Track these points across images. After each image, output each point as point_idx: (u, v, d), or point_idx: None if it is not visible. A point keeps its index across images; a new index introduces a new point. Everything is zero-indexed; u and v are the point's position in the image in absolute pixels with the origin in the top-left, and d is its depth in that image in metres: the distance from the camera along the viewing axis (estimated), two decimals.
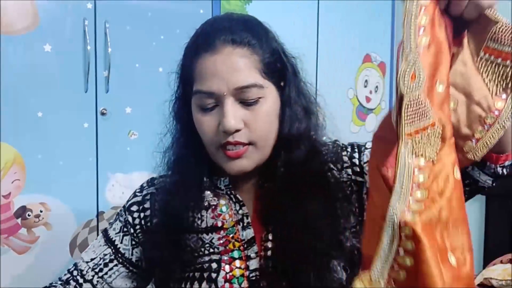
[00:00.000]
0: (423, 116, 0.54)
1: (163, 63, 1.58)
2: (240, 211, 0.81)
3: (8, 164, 1.38)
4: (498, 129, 0.59)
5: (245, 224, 0.80)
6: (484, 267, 1.60)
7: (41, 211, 1.43)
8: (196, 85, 0.76)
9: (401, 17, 0.56)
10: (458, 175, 0.56)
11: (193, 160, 0.81)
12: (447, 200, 0.54)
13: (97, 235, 1.52)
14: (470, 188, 0.70)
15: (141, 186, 0.91)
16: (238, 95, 0.74)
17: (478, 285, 1.40)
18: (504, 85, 0.58)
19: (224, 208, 0.81)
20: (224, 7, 1.72)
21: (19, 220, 1.41)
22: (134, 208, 0.87)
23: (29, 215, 1.42)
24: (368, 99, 2.25)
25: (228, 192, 0.82)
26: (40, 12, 1.40)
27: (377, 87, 2.28)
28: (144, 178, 0.91)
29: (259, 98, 0.75)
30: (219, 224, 0.80)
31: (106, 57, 1.50)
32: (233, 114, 0.73)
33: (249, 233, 0.80)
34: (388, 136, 0.59)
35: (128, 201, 0.89)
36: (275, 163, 0.79)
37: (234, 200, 0.82)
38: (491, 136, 0.59)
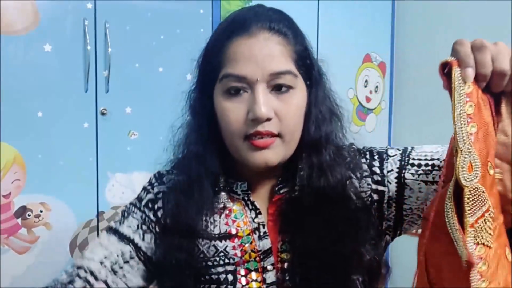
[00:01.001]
0: (481, 203, 0.57)
1: (163, 63, 1.58)
2: (256, 219, 0.77)
3: (8, 164, 1.38)
4: None
5: (261, 234, 0.76)
6: None
7: (41, 211, 1.43)
8: (225, 69, 0.72)
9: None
10: (510, 256, 0.58)
11: (209, 158, 0.77)
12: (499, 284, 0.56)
13: (97, 235, 1.52)
14: None
15: (150, 182, 0.85)
16: (271, 81, 0.71)
17: None
18: None
19: (238, 215, 0.77)
20: (224, 7, 1.72)
21: (19, 220, 1.41)
22: (150, 205, 0.81)
23: (29, 215, 1.42)
24: (368, 99, 2.24)
25: (245, 198, 0.78)
26: (40, 12, 1.40)
27: (377, 87, 2.28)
28: (144, 178, 0.90)
29: (291, 88, 0.72)
30: (233, 231, 0.76)
31: (106, 57, 1.50)
32: (265, 102, 0.70)
33: (266, 243, 0.75)
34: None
35: (141, 197, 0.83)
36: (295, 167, 0.76)
37: (250, 207, 0.77)
38: None
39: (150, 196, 0.82)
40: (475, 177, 0.56)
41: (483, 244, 0.56)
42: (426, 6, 2.18)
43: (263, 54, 0.71)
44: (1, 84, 1.35)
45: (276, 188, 0.78)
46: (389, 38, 2.31)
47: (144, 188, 0.84)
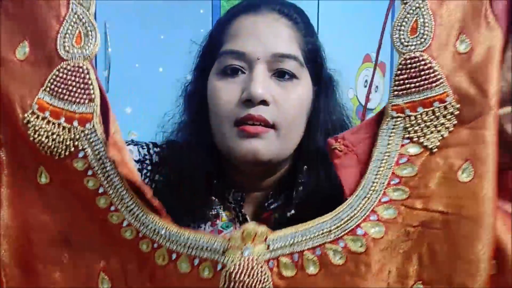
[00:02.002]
0: (427, 83, 0.42)
1: (163, 63, 1.57)
2: None
3: None
4: None
5: None
6: None
7: None
8: (224, 46, 0.64)
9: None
10: (468, 177, 0.41)
11: (201, 152, 0.67)
12: (438, 214, 0.41)
13: None
14: None
15: (147, 145, 0.73)
16: (273, 64, 0.63)
17: None
18: None
19: (225, 225, 0.68)
20: (224, 7, 1.72)
21: None
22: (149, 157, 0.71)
23: None
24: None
25: (237, 209, 0.69)
26: None
27: (377, 87, 2.27)
28: None
29: (295, 77, 0.64)
30: None
31: (106, 57, 1.49)
32: (263, 82, 0.61)
33: None
34: None
35: (144, 143, 0.73)
36: (292, 179, 0.68)
37: (240, 219, 0.69)
38: None
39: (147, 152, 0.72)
40: (419, 42, 0.44)
41: (421, 143, 0.42)
42: None
43: (269, 32, 0.63)
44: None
45: (266, 204, 0.69)
46: (389, 38, 2.30)
47: (146, 144, 0.74)
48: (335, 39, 2.07)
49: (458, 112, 0.42)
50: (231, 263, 0.39)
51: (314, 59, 0.68)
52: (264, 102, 0.61)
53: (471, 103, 0.42)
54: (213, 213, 0.68)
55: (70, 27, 0.41)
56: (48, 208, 0.43)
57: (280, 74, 0.64)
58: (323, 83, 0.70)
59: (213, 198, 0.69)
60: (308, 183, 0.66)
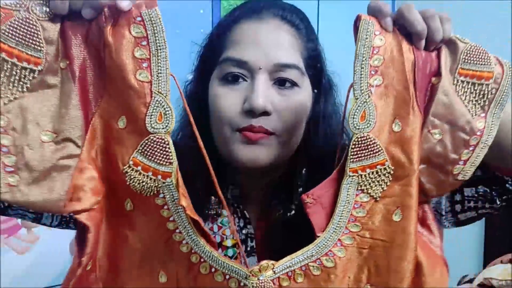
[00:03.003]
0: (371, 153, 0.59)
1: None
2: (244, 230, 0.70)
3: None
4: (482, 148, 0.61)
5: (248, 249, 0.70)
6: (484, 267, 1.60)
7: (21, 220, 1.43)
8: (226, 52, 0.65)
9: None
10: (399, 218, 0.60)
11: (201, 155, 0.65)
12: (380, 241, 0.60)
13: None
14: (507, 202, 0.67)
15: None
16: (274, 73, 0.63)
17: (478, 285, 1.40)
18: (481, 103, 0.61)
19: (225, 220, 0.70)
20: (224, 7, 1.72)
21: (19, 220, 1.40)
22: None
23: None
24: None
25: (235, 205, 0.72)
26: None
27: None
28: None
29: (296, 85, 0.65)
30: (217, 239, 0.69)
31: None
32: (264, 93, 0.62)
33: (252, 261, 0.69)
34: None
35: None
36: (291, 179, 0.70)
37: (239, 214, 0.71)
38: (477, 156, 0.61)
39: None
40: (366, 126, 0.58)
41: (369, 194, 0.59)
42: (426, 6, 2.18)
43: (271, 41, 0.64)
44: None
45: (268, 203, 0.72)
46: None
47: None
48: (335, 40, 2.08)
49: (393, 172, 0.59)
50: (251, 284, 0.59)
51: (314, 65, 0.69)
52: (265, 113, 0.63)
53: (401, 167, 0.59)
54: (212, 212, 0.71)
55: (154, 110, 0.55)
56: (130, 226, 0.60)
57: (281, 83, 0.65)
58: (323, 88, 0.71)
59: (213, 197, 0.70)
60: (307, 187, 0.67)
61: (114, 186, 0.59)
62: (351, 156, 0.58)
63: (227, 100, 0.64)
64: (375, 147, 0.58)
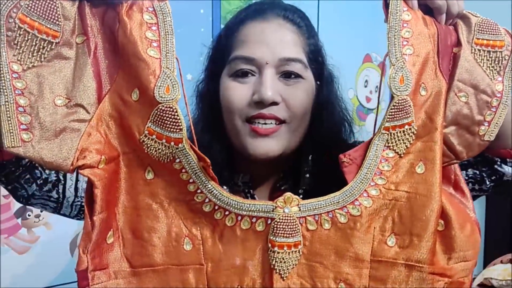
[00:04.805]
0: (404, 115, 0.64)
1: None
2: None
3: None
4: (503, 108, 0.68)
5: None
6: (484, 267, 1.60)
7: (41, 211, 1.43)
8: (235, 51, 0.71)
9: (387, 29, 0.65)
10: (422, 170, 0.65)
11: (214, 148, 0.74)
12: (404, 192, 0.65)
13: None
14: (496, 183, 0.72)
15: None
16: (280, 67, 0.70)
17: (478, 285, 1.40)
18: (497, 68, 0.68)
19: None
20: (224, 7, 1.72)
21: (19, 220, 1.40)
22: None
23: (29, 215, 1.42)
24: (368, 99, 2.24)
25: (246, 191, 0.77)
26: None
27: (377, 87, 2.28)
28: None
29: (300, 77, 0.71)
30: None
31: None
32: (272, 85, 0.68)
33: None
34: None
35: None
36: (299, 164, 0.74)
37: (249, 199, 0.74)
38: (499, 116, 0.68)
39: None
40: (405, 89, 0.63)
41: (394, 150, 0.65)
42: None
43: (275, 38, 0.69)
44: None
45: (278, 185, 0.77)
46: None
47: None
48: (335, 39, 2.07)
49: (416, 132, 0.65)
50: (277, 216, 0.61)
51: (316, 59, 0.75)
52: (274, 103, 0.69)
53: (424, 126, 0.66)
54: None
55: (163, 82, 0.59)
56: (152, 195, 0.63)
57: (287, 75, 0.71)
58: (325, 79, 0.77)
59: (225, 187, 0.73)
60: (313, 172, 0.74)
61: (134, 157, 0.63)
62: (388, 116, 0.63)
63: (237, 92, 0.70)
64: (409, 109, 0.63)
